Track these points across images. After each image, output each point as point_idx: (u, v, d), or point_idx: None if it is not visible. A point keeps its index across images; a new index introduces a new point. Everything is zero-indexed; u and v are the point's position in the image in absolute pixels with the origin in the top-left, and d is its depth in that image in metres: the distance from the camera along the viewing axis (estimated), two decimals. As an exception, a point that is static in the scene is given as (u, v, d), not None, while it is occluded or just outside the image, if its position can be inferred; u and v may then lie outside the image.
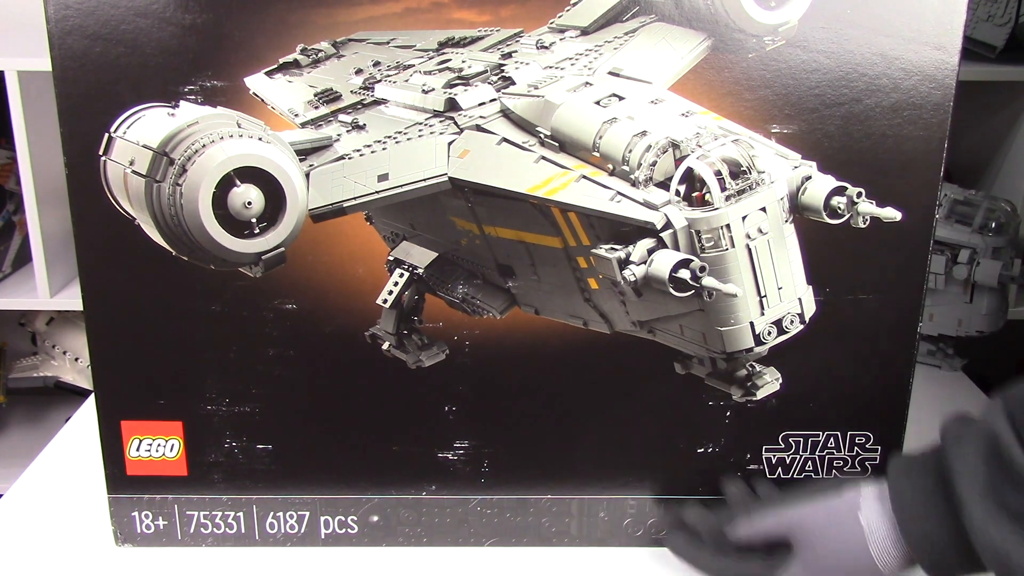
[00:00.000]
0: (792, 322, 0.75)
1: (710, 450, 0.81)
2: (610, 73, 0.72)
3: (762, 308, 0.74)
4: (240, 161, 0.70)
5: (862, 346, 0.79)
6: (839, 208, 0.72)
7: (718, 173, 0.70)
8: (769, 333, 0.75)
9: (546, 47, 0.71)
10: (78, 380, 2.00)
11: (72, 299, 1.70)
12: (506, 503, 0.82)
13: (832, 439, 0.81)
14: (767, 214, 0.72)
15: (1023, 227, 1.23)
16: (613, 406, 0.80)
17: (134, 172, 0.71)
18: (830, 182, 0.72)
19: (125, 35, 0.69)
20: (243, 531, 0.82)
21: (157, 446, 0.80)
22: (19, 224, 1.83)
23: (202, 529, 0.82)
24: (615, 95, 0.71)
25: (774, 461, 0.81)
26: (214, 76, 0.70)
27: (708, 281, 0.70)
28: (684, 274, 0.69)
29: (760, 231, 0.72)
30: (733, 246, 0.71)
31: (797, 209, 0.73)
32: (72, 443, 1.00)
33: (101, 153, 0.72)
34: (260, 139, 0.70)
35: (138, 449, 0.80)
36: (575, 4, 0.70)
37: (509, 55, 0.71)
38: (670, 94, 0.72)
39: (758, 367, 0.79)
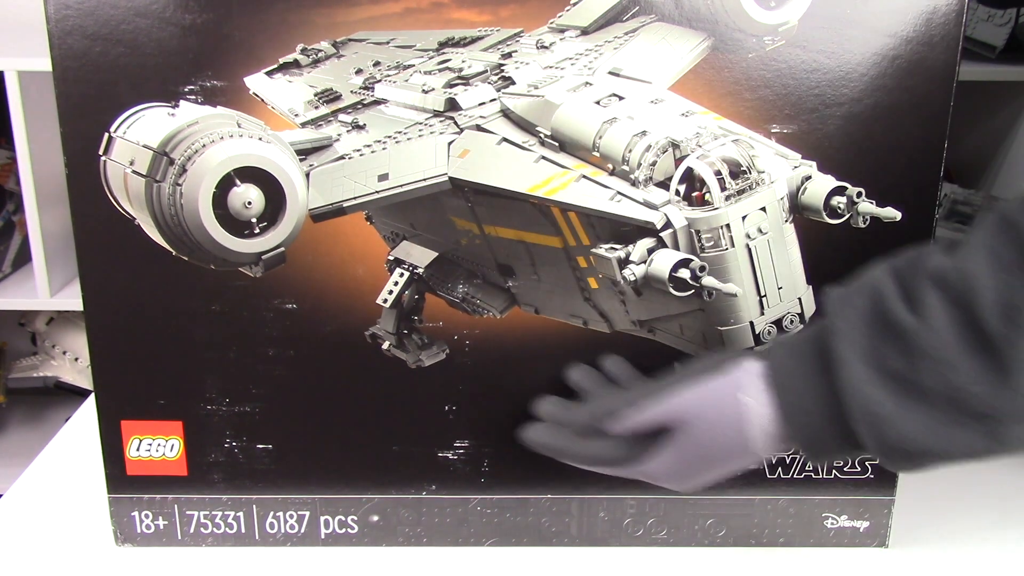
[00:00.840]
0: (792, 322, 0.75)
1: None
2: (610, 73, 0.72)
3: (762, 308, 0.74)
4: (240, 161, 0.70)
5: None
6: (839, 208, 0.73)
7: (718, 173, 0.71)
8: (769, 333, 0.75)
9: (546, 47, 0.71)
10: (78, 380, 2.01)
11: (72, 299, 1.70)
12: (506, 503, 0.82)
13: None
14: (767, 214, 0.72)
15: None
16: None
17: (134, 172, 0.71)
18: (830, 182, 0.72)
19: (125, 35, 0.69)
20: (243, 531, 0.82)
21: (157, 446, 0.80)
22: (19, 224, 1.84)
23: (202, 529, 0.82)
24: (615, 95, 0.71)
25: (774, 461, 0.81)
26: (214, 76, 0.70)
27: (708, 281, 0.70)
28: (684, 274, 0.70)
29: (760, 231, 0.72)
30: (733, 246, 0.71)
31: (797, 209, 0.73)
32: (72, 443, 1.00)
33: (101, 153, 0.72)
34: (260, 139, 0.71)
35: (138, 449, 0.80)
36: (575, 4, 0.70)
37: (509, 55, 0.71)
38: (670, 94, 0.72)
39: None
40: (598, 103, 0.71)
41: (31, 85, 1.53)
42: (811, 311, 0.76)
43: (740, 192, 0.71)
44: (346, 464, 0.81)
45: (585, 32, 0.71)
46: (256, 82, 0.71)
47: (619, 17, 0.71)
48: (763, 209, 0.72)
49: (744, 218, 0.72)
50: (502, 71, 0.71)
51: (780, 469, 0.82)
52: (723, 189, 0.71)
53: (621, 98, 0.71)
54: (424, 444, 0.80)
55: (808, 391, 0.62)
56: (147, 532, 0.82)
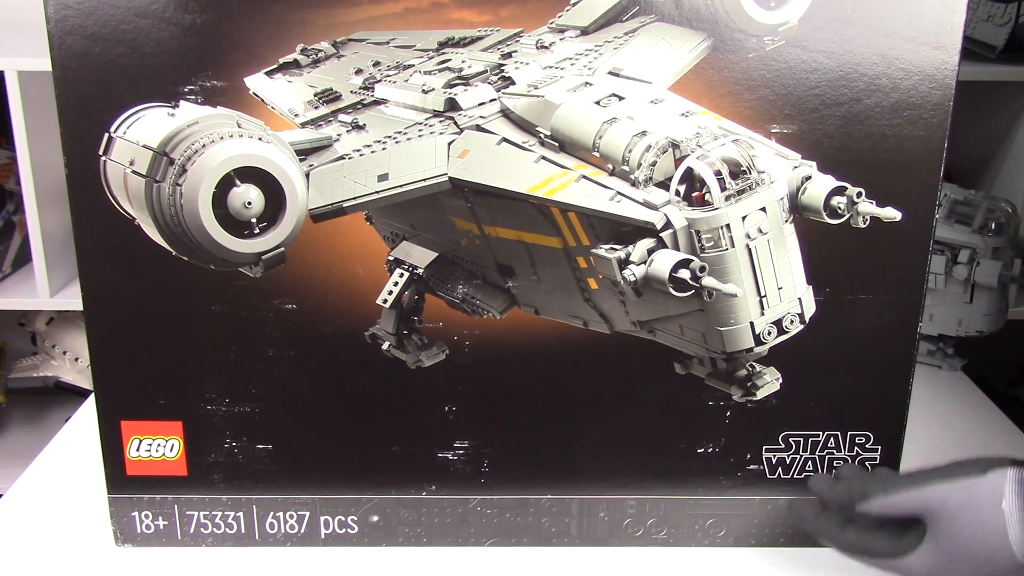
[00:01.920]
0: (792, 322, 0.75)
1: (710, 450, 0.81)
2: (610, 73, 0.72)
3: (762, 308, 0.74)
4: (240, 161, 0.70)
5: (862, 346, 0.79)
6: (839, 208, 0.72)
7: (718, 173, 0.70)
8: (769, 333, 0.75)
9: (546, 47, 0.71)
10: (78, 380, 1.99)
11: (72, 299, 1.69)
12: (506, 503, 0.82)
13: (832, 439, 0.81)
14: (767, 214, 0.72)
15: (1023, 227, 1.22)
16: (613, 406, 0.80)
17: (134, 172, 0.71)
18: (830, 182, 0.72)
19: (125, 35, 0.69)
20: (243, 531, 0.82)
21: (157, 446, 0.80)
22: (19, 224, 1.82)
23: (202, 529, 0.82)
24: (615, 95, 0.71)
25: (774, 461, 0.81)
26: (214, 76, 0.70)
27: (708, 281, 0.70)
28: (684, 274, 0.69)
29: (760, 231, 0.72)
30: (733, 246, 0.71)
31: (797, 209, 0.73)
32: (72, 443, 1.00)
33: (101, 153, 0.72)
34: (260, 139, 0.70)
35: (138, 449, 0.80)
36: (575, 4, 0.70)
37: (509, 55, 0.71)
38: (670, 94, 0.72)
39: (758, 367, 0.79)
40: (598, 103, 0.71)
41: (31, 85, 1.53)
42: (811, 311, 0.76)
43: (740, 192, 0.71)
44: (346, 464, 0.81)
45: (585, 32, 0.71)
46: (256, 82, 0.71)
47: (619, 17, 0.71)
48: (763, 209, 0.72)
49: (744, 218, 0.72)
50: (502, 71, 0.71)
51: (780, 469, 0.82)
52: (723, 189, 0.71)
53: (621, 98, 0.71)
54: (424, 444, 0.80)
55: None
56: (147, 532, 0.82)
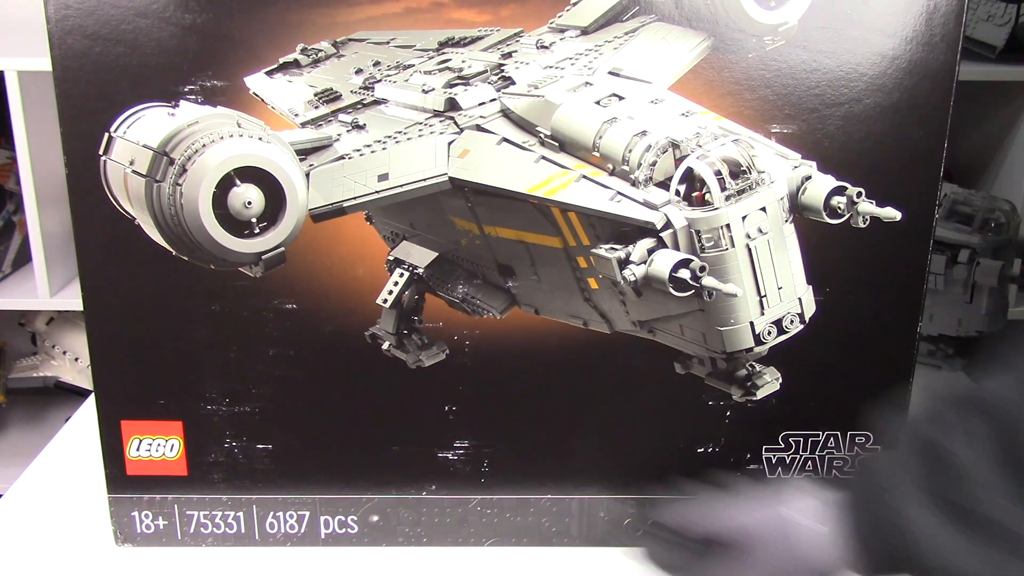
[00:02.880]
0: (792, 322, 0.75)
1: (710, 450, 0.81)
2: (610, 73, 0.72)
3: (762, 308, 0.74)
4: (240, 161, 0.70)
5: (862, 346, 0.79)
6: (839, 208, 0.72)
7: (718, 173, 0.70)
8: (769, 333, 0.75)
9: (546, 47, 0.71)
10: (78, 380, 1.98)
11: (72, 299, 1.68)
12: (506, 503, 0.82)
13: (832, 439, 0.81)
14: (767, 214, 0.72)
15: (1023, 227, 1.22)
16: (613, 406, 0.80)
17: (134, 172, 0.71)
18: (830, 182, 0.72)
19: (125, 35, 0.69)
20: (243, 531, 0.82)
21: (157, 446, 0.80)
22: (19, 224, 1.81)
23: (202, 529, 0.82)
24: (615, 95, 0.71)
25: (774, 461, 0.81)
26: (214, 76, 0.70)
27: (708, 281, 0.70)
28: (684, 274, 0.69)
29: (760, 231, 0.72)
30: (733, 246, 0.71)
31: (797, 209, 0.73)
32: (72, 443, 1.00)
33: (101, 153, 0.72)
34: (260, 139, 0.70)
35: (138, 449, 0.80)
36: (575, 4, 0.70)
37: (509, 55, 0.71)
38: (670, 94, 0.72)
39: (758, 367, 0.79)
40: (598, 103, 0.71)
41: (31, 85, 1.52)
42: (811, 311, 0.76)
43: (740, 192, 0.71)
44: (346, 464, 0.81)
45: (585, 32, 0.71)
46: (256, 82, 0.71)
47: (619, 17, 0.71)
48: (763, 209, 0.72)
49: (744, 218, 0.72)
50: (502, 71, 0.71)
51: (780, 469, 0.82)
52: (723, 189, 0.71)
53: (621, 98, 0.71)
54: (424, 444, 0.80)
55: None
56: (147, 532, 0.82)
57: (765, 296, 0.74)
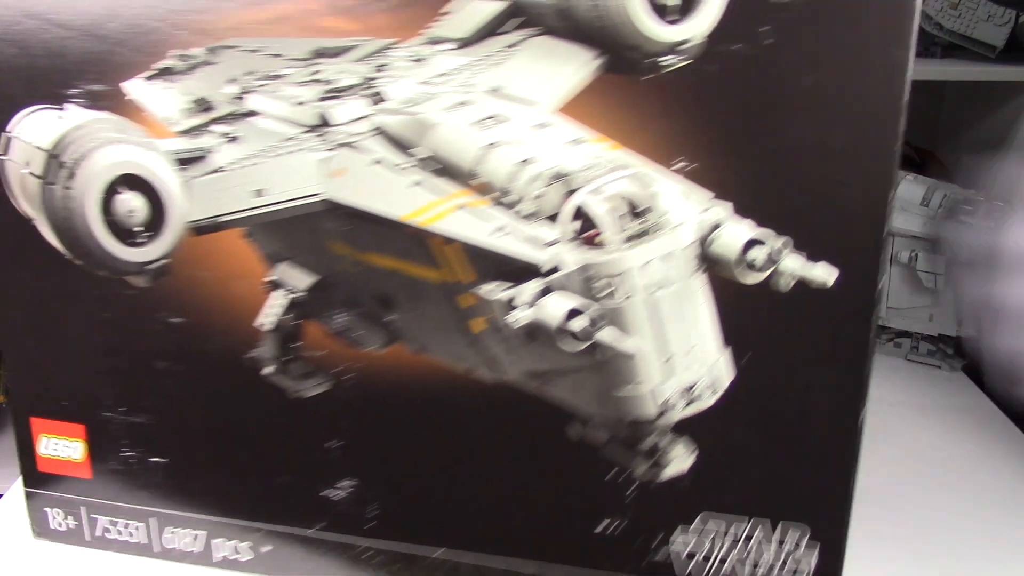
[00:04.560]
0: (704, 391, 0.64)
1: (610, 531, 0.70)
2: (491, 91, 0.64)
3: (666, 373, 0.64)
4: (122, 168, 0.68)
5: (797, 422, 0.66)
6: (756, 264, 0.61)
7: (614, 211, 0.61)
8: (675, 402, 0.64)
9: (421, 60, 0.64)
10: None
11: None
12: (394, 555, 0.75)
13: (760, 528, 0.68)
14: (672, 263, 0.62)
15: None
16: (509, 462, 0.72)
17: (31, 174, 0.70)
18: (746, 230, 0.61)
19: (16, 36, 0.69)
20: (144, 542, 0.81)
21: (63, 446, 0.80)
22: None
23: (107, 534, 0.82)
24: (497, 116, 0.63)
25: (684, 555, 0.69)
26: (96, 80, 0.69)
27: (604, 335, 0.61)
28: (575, 325, 0.61)
29: (664, 281, 0.62)
30: (632, 297, 0.62)
31: (707, 260, 0.62)
32: None
33: (1, 153, 0.72)
34: (141, 146, 0.68)
35: (46, 447, 0.80)
36: (450, 12, 0.62)
37: (382, 67, 0.65)
38: (559, 118, 0.63)
39: (668, 437, 0.68)
40: (479, 123, 0.63)
41: None
42: (728, 379, 0.64)
43: (640, 235, 0.61)
44: (238, 489, 0.77)
45: (462, 44, 0.63)
46: (134, 87, 0.69)
47: (500, 28, 0.63)
48: (667, 256, 0.62)
49: (645, 265, 0.62)
50: (374, 85, 0.65)
51: (693, 564, 0.70)
52: (620, 231, 0.61)
53: (504, 120, 0.63)
54: (309, 478, 0.75)
55: None
56: (59, 529, 0.83)
57: (670, 359, 0.63)
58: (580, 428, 0.69)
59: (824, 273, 0.60)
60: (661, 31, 0.59)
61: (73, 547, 0.83)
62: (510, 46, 0.62)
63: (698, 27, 0.58)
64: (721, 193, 0.61)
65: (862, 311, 0.62)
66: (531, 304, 0.63)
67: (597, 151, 0.62)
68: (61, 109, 0.70)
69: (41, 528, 0.83)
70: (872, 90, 0.57)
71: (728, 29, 0.58)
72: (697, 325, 0.64)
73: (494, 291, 0.64)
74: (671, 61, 0.59)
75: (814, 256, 0.60)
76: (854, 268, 0.61)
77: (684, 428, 0.66)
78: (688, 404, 0.65)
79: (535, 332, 0.63)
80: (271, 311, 0.71)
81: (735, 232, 0.61)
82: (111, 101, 0.69)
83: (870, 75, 0.57)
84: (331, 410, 0.72)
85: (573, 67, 0.61)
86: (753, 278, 0.62)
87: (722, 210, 0.61)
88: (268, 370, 0.72)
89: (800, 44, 0.58)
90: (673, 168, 0.61)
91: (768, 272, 0.61)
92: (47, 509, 0.82)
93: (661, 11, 0.59)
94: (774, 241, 0.61)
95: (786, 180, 0.61)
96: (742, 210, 0.61)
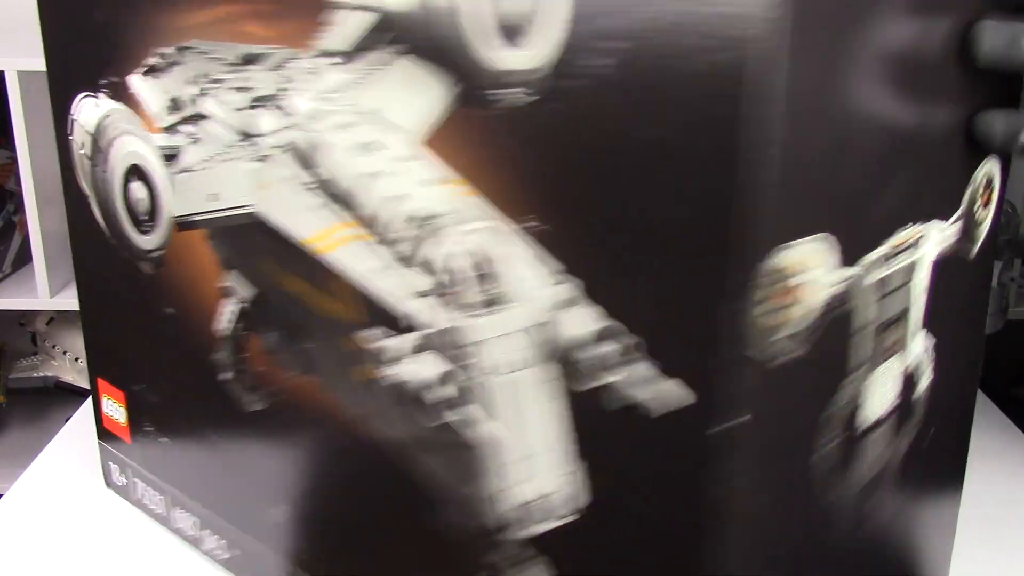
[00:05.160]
0: (560, 507, 0.52)
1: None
2: (368, 112, 0.56)
3: (516, 474, 0.53)
4: (132, 158, 0.72)
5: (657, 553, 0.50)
6: (607, 363, 0.47)
7: (477, 267, 0.52)
8: (523, 516, 0.53)
9: (316, 73, 0.58)
10: (78, 380, 1.94)
11: (72, 299, 1.61)
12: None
13: None
14: (527, 342, 0.51)
15: (1023, 227, 1.22)
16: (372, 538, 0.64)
17: (84, 155, 0.77)
18: (592, 319, 0.47)
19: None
20: (164, 514, 0.84)
21: (115, 408, 0.86)
22: (19, 224, 1.79)
23: (143, 499, 0.87)
24: (374, 142, 0.56)
25: None
26: (113, 73, 0.72)
27: (460, 413, 0.53)
28: (429, 395, 0.54)
29: (520, 363, 0.51)
30: (494, 375, 0.52)
31: (555, 346, 0.49)
32: (72, 443, 0.99)
33: (69, 134, 0.78)
34: (142, 139, 0.71)
35: (107, 407, 0.88)
36: (333, 23, 0.56)
37: (289, 79, 0.60)
38: (425, 152, 0.53)
39: (518, 557, 0.54)
40: (360, 148, 0.56)
41: (31, 85, 1.49)
42: (584, 497, 0.51)
43: (490, 303, 0.51)
44: (221, 487, 0.78)
45: (348, 58, 0.56)
46: (135, 82, 0.71)
47: (379, 43, 0.54)
48: (525, 331, 0.51)
49: (503, 338, 0.51)
50: (281, 97, 0.60)
51: None
52: (480, 292, 0.52)
53: (382, 147, 0.55)
54: (263, 492, 0.73)
55: None
56: (118, 484, 0.90)
57: (524, 459, 0.52)
58: (435, 519, 0.59)
59: (676, 391, 0.45)
60: (505, 57, 0.47)
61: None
62: (384, 65, 0.54)
63: (545, 53, 0.46)
64: (574, 264, 0.48)
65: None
66: (399, 360, 0.56)
67: (451, 197, 0.52)
68: (97, 97, 0.75)
69: (108, 480, 0.91)
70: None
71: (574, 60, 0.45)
72: (556, 425, 0.51)
73: (374, 339, 0.58)
74: (522, 94, 0.47)
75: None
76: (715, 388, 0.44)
77: (543, 549, 0.53)
78: (541, 521, 0.53)
79: (400, 394, 0.56)
80: (223, 318, 0.70)
81: (580, 320, 0.48)
82: (126, 94, 0.72)
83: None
84: (265, 428, 0.70)
85: (428, 96, 0.52)
86: (591, 383, 0.48)
87: (572, 289, 0.48)
88: (224, 376, 0.72)
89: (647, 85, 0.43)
90: (524, 226, 0.49)
91: (615, 380, 0.47)
92: (110, 463, 0.90)
93: (507, 33, 0.47)
94: (628, 340, 0.46)
95: (653, 248, 0.46)
96: (596, 288, 0.47)
